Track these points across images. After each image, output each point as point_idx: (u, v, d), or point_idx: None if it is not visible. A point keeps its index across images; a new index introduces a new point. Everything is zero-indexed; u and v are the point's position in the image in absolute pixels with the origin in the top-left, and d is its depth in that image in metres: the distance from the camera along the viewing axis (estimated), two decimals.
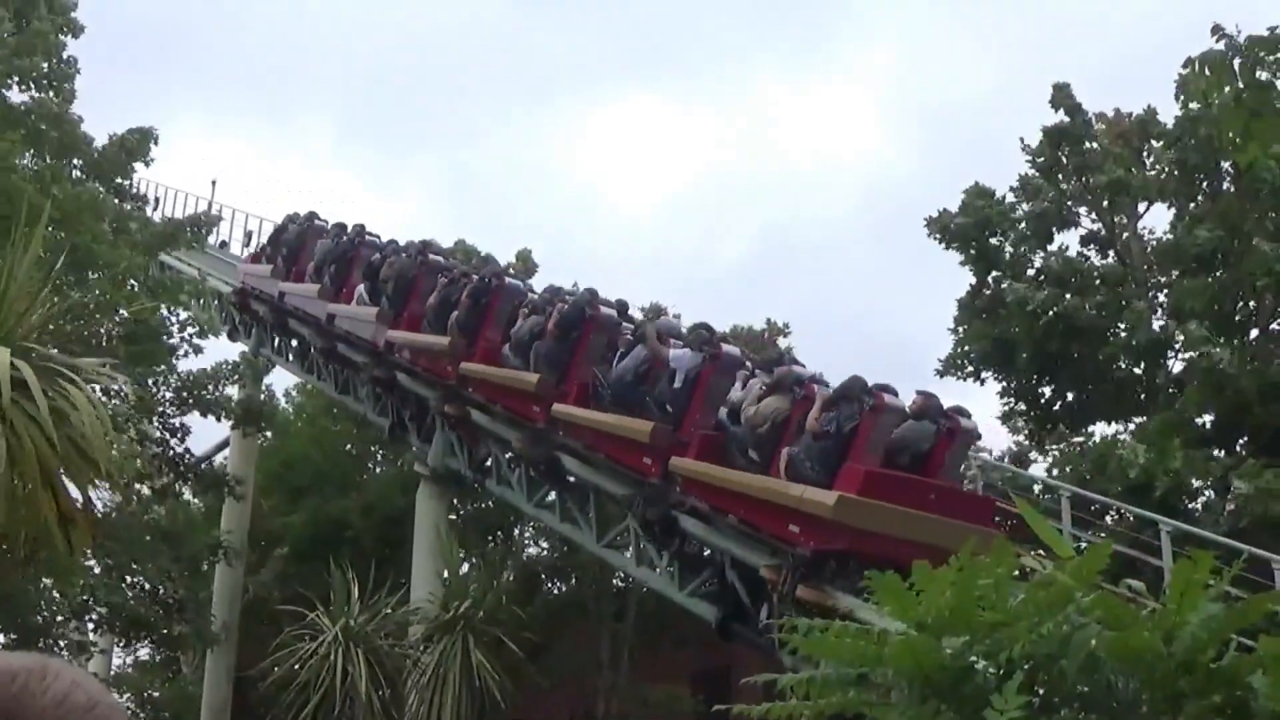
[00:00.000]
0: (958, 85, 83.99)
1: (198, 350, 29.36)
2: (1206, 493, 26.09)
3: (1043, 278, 29.72)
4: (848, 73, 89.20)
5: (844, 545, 17.39)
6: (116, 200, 26.93)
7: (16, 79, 26.14)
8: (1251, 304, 28.02)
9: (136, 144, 27.64)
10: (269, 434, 37.57)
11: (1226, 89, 8.15)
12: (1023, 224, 30.53)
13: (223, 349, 34.95)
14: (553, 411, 22.62)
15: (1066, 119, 30.45)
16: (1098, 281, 29.61)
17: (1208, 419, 27.60)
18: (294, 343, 33.54)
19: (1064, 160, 30.63)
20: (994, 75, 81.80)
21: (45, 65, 26.65)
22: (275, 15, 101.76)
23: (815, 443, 17.76)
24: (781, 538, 18.21)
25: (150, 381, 28.23)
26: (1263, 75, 8.31)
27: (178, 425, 30.54)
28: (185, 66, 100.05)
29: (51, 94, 26.53)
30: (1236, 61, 8.27)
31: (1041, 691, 5.95)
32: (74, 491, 12.54)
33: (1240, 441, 27.59)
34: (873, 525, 17.12)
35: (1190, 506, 25.64)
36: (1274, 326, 28.40)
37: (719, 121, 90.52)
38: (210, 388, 30.25)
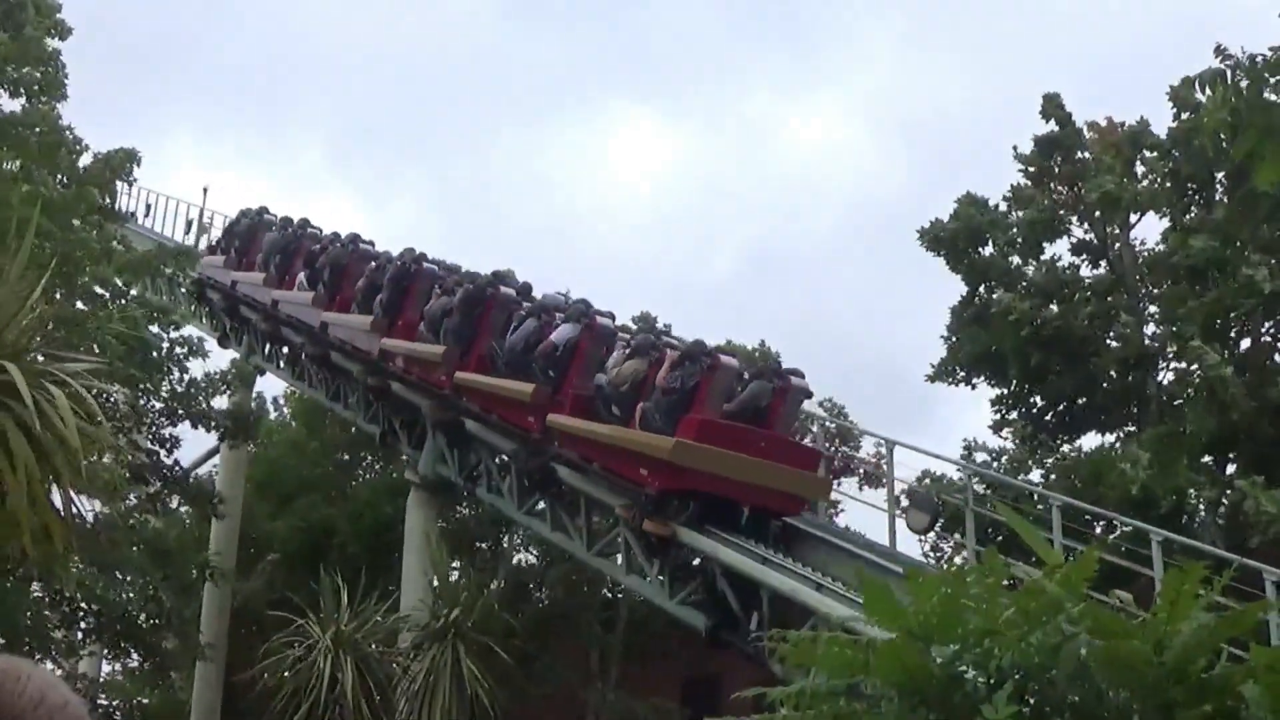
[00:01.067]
0: (948, 99, 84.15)
1: (185, 370, 29.43)
2: (1203, 509, 26.02)
3: (1031, 290, 29.70)
4: (838, 87, 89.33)
5: (684, 484, 20.32)
6: (98, 218, 26.77)
7: (7, 89, 26.10)
8: (1245, 318, 27.97)
9: (120, 163, 27.61)
10: (259, 439, 37.48)
11: (1231, 107, 8.13)
12: (1014, 229, 30.51)
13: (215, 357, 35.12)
14: (455, 379, 24.97)
15: (1057, 129, 30.45)
16: (1088, 292, 29.59)
17: (1208, 431, 27.54)
18: (285, 349, 33.61)
19: (1055, 170, 30.63)
20: (984, 90, 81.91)
21: (38, 73, 26.60)
22: (268, 29, 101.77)
23: (664, 398, 20.67)
24: (634, 480, 21.03)
25: (141, 388, 28.12)
26: (1271, 96, 8.28)
27: (167, 436, 30.46)
28: (178, 79, 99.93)
29: (42, 101, 26.44)
30: (1244, 82, 8.25)
31: (1032, 701, 5.93)
32: (58, 500, 12.49)
33: (1236, 455, 27.56)
34: (707, 467, 20.05)
35: (1196, 523, 25.57)
36: (1265, 339, 28.41)
37: (708, 135, 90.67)
38: (200, 399, 30.22)
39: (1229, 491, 25.21)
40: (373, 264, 28.42)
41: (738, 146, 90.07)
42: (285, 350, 33.35)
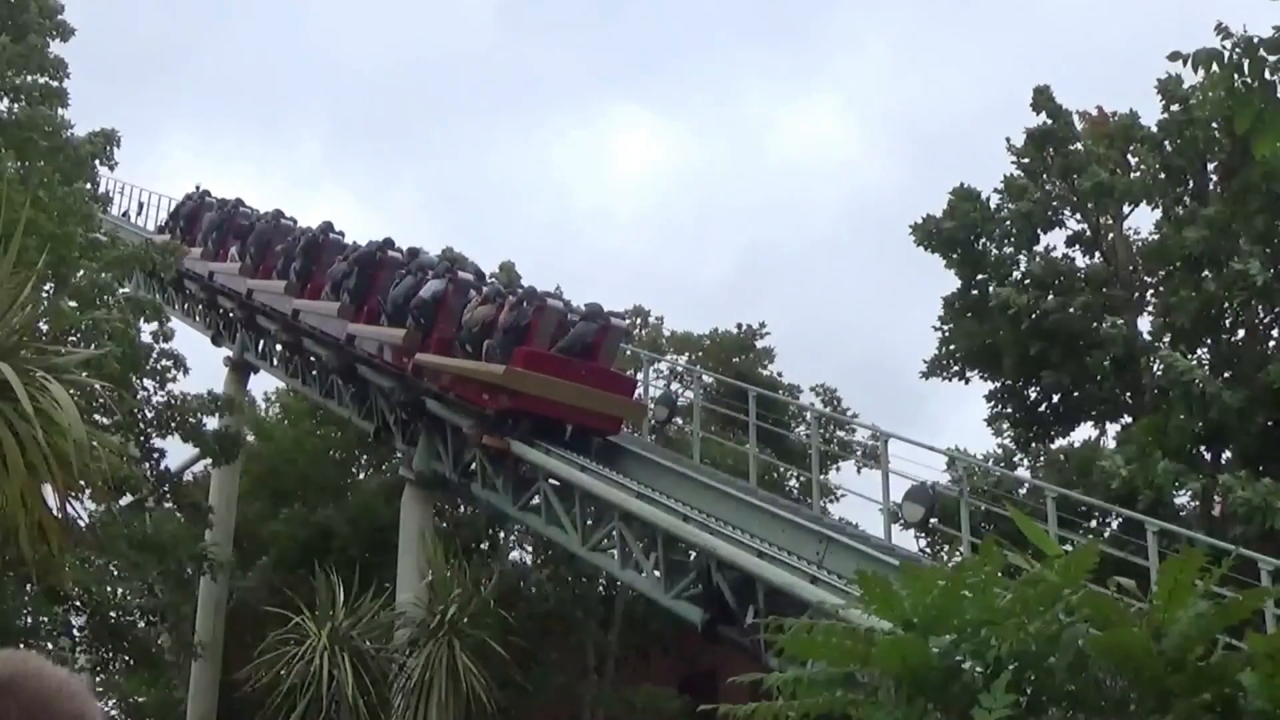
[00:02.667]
0: (942, 98, 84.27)
1: (172, 379, 29.41)
2: (1190, 501, 26.01)
3: (1027, 281, 29.68)
4: (833, 86, 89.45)
5: (516, 406, 24.50)
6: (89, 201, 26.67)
7: (9, 95, 26.02)
8: (1239, 308, 27.96)
9: (100, 146, 27.44)
10: (252, 437, 37.44)
11: (1231, 84, 8.10)
12: (1008, 222, 30.49)
13: (209, 359, 35.26)
14: (348, 330, 28.72)
15: (1049, 121, 30.43)
16: (1083, 283, 29.58)
17: (1190, 427, 27.53)
18: (278, 346, 33.82)
19: (1049, 161, 30.61)
20: (978, 89, 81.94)
21: (42, 79, 26.53)
22: (266, 30, 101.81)
23: (503, 335, 24.91)
24: (478, 404, 25.43)
25: (136, 394, 28.07)
26: (1271, 77, 8.25)
27: (155, 447, 30.39)
28: (175, 80, 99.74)
29: (44, 106, 26.32)
30: (1246, 63, 8.22)
31: (1029, 690, 5.93)
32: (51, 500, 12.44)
33: (1224, 450, 27.58)
34: (534, 390, 24.24)
35: (1182, 515, 25.57)
36: (1259, 329, 28.43)
37: (705, 135, 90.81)
38: (192, 417, 30.15)
39: (1217, 485, 25.20)
40: (290, 237, 32.25)
41: (734, 146, 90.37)
42: (277, 348, 33.95)
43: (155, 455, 30.32)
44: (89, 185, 27.87)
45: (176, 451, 32.44)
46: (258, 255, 32.82)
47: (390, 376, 28.05)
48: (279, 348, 33.69)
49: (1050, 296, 28.82)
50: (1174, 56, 8.44)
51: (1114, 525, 24.72)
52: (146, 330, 28.23)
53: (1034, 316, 28.59)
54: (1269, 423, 26.43)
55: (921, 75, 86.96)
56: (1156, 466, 24.88)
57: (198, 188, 38.44)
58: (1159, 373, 28.16)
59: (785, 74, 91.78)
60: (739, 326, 39.88)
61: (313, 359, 32.06)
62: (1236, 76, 7.99)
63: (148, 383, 28.92)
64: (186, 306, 37.10)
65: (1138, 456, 25.41)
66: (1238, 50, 8.15)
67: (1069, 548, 6.53)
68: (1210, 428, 26.56)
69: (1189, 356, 26.87)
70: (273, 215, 33.62)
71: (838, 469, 35.93)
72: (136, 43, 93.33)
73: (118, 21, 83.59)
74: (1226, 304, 27.70)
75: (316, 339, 30.49)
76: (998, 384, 31.31)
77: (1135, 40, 67.87)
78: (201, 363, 32.48)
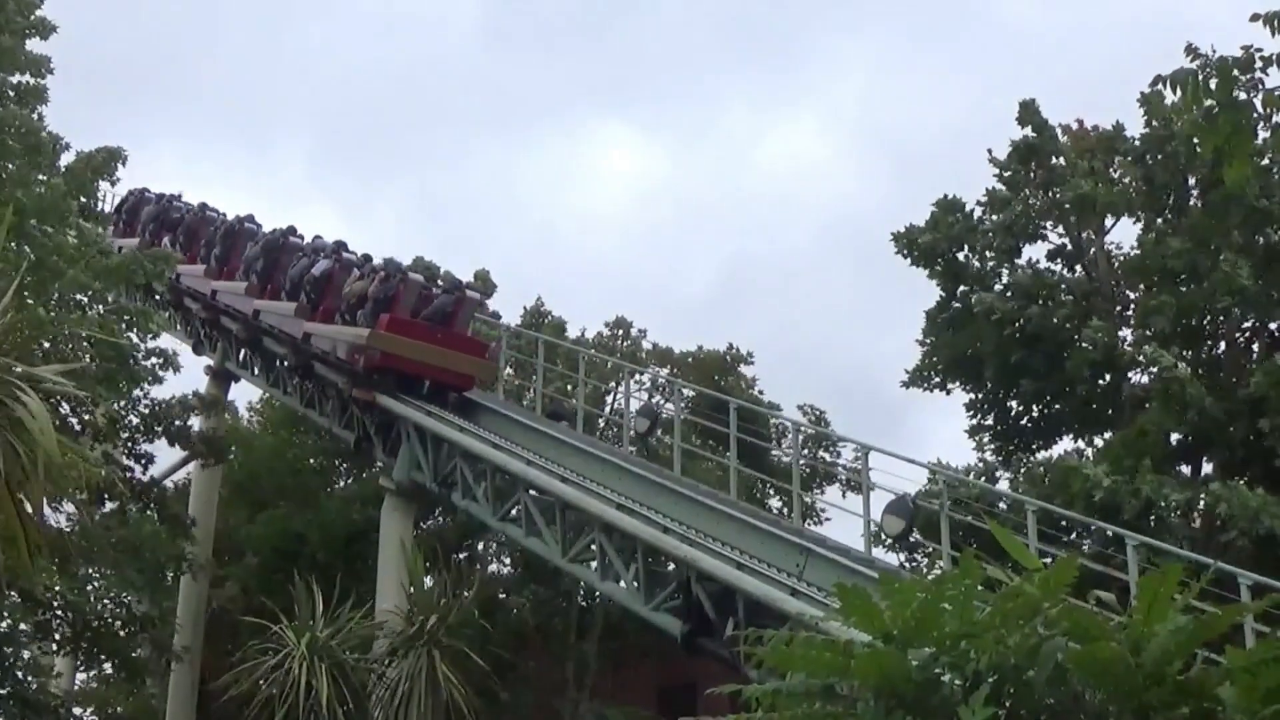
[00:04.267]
0: (923, 115, 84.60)
1: (159, 381, 29.30)
2: (1174, 513, 26.01)
3: (1009, 292, 29.74)
4: (814, 103, 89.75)
5: (380, 364, 28.35)
6: (81, 218, 26.48)
7: None
8: (1220, 318, 28.07)
9: (103, 163, 27.30)
10: (231, 450, 37.32)
11: (1204, 104, 8.15)
12: (990, 233, 30.58)
13: (192, 366, 35.18)
14: (254, 306, 32.37)
15: (1034, 135, 30.52)
16: (1064, 295, 29.65)
17: (1174, 436, 27.60)
18: (260, 357, 33.78)
19: (1032, 175, 30.71)
20: (959, 105, 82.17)
21: (15, 79, 26.37)
22: (250, 44, 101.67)
23: (374, 305, 28.87)
24: (350, 363, 28.74)
25: (119, 405, 27.97)
26: (1239, 95, 8.30)
27: (143, 453, 30.32)
28: (160, 93, 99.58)
29: (18, 106, 26.15)
30: (1213, 81, 8.26)
31: (1008, 703, 5.92)
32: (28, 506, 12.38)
33: (1205, 459, 27.65)
34: (394, 350, 28.31)
35: (1167, 526, 25.58)
36: (1240, 340, 28.53)
37: (687, 150, 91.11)
38: (176, 420, 30.12)
39: (1203, 494, 25.26)
40: (212, 228, 36.38)
41: (715, 161, 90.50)
42: (259, 357, 34.42)
43: (143, 461, 30.30)
44: (84, 200, 27.71)
45: (163, 456, 32.58)
46: (187, 243, 36.25)
47: (286, 344, 31.60)
48: (253, 354, 34.04)
49: (1035, 304, 28.92)
50: (1155, 81, 8.49)
51: (1090, 541, 24.67)
52: (133, 335, 28.11)
53: (1017, 324, 28.68)
54: (1248, 436, 26.51)
55: (902, 91, 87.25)
56: (1145, 477, 24.93)
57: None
58: (1142, 375, 28.27)
59: (767, 94, 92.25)
60: (730, 347, 39.88)
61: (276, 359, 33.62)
62: (1205, 99, 8.04)
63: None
64: (169, 315, 37.09)
65: (1121, 467, 25.44)
66: (1208, 70, 8.20)
67: (1049, 560, 6.51)
68: (1192, 432, 26.64)
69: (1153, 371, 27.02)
70: (200, 207, 38.03)
71: (821, 490, 35.95)
72: (120, 58, 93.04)
73: (101, 37, 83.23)
74: (1207, 314, 27.80)
75: (230, 315, 34.05)
76: (979, 394, 31.36)
77: (1113, 62, 68.24)
78: (184, 372, 32.46)
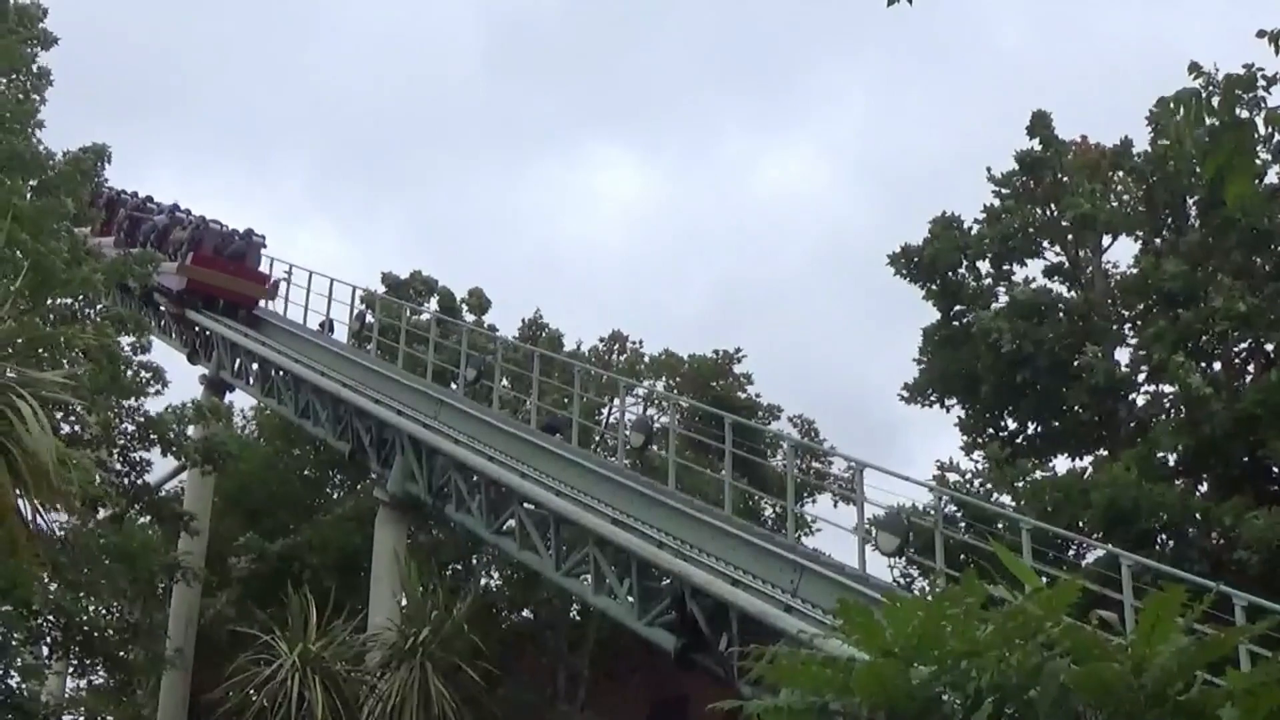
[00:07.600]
0: (917, 140, 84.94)
1: (150, 394, 29.28)
2: (1191, 530, 26.01)
3: (1010, 309, 29.74)
4: (809, 128, 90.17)
5: (191, 289, 37.02)
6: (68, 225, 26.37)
7: None
8: (1217, 342, 28.05)
9: (91, 163, 27.24)
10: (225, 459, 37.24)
11: (1206, 124, 8.14)
12: (987, 242, 30.60)
13: (186, 375, 35.24)
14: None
15: (1040, 148, 30.60)
16: (1061, 314, 29.66)
17: (1180, 450, 27.58)
18: (254, 366, 33.70)
19: (1034, 190, 30.77)
20: (956, 132, 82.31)
21: (11, 78, 26.31)
22: (253, 66, 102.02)
23: (186, 247, 37.45)
24: (174, 289, 37.08)
25: (112, 413, 27.93)
26: (1241, 114, 8.29)
27: (138, 459, 30.27)
28: (160, 114, 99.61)
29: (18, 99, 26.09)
30: (1215, 99, 8.26)
31: None
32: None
33: (1210, 473, 27.64)
34: (200, 279, 37.02)
35: (1181, 542, 25.60)
36: (1236, 362, 28.53)
37: (683, 174, 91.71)
38: (172, 430, 30.04)
39: (1210, 512, 25.29)
40: (121, 211, 42.05)
41: (712, 185, 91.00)
42: (255, 367, 34.90)
43: (139, 467, 30.25)
44: (73, 205, 27.61)
45: (159, 465, 32.55)
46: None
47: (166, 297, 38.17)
48: (254, 366, 34.03)
49: (1030, 324, 28.93)
50: (1160, 102, 8.51)
51: (1090, 554, 24.68)
52: (125, 343, 28.08)
53: (1015, 345, 28.68)
54: (1244, 457, 26.53)
55: (897, 117, 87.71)
56: (1160, 491, 24.95)
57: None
58: (1138, 396, 28.24)
59: (764, 119, 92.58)
60: (716, 352, 39.99)
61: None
62: (1207, 117, 8.03)
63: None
64: (163, 324, 37.48)
65: (1137, 482, 25.40)
66: (1210, 89, 8.20)
67: (1045, 579, 6.50)
68: (1203, 448, 26.60)
69: (1168, 387, 27.05)
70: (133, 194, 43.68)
71: (814, 501, 35.87)
72: (122, 76, 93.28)
73: (103, 55, 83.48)
74: (1205, 336, 27.80)
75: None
76: (973, 412, 31.36)
77: (1111, 89, 68.18)
78: (178, 381, 32.53)
